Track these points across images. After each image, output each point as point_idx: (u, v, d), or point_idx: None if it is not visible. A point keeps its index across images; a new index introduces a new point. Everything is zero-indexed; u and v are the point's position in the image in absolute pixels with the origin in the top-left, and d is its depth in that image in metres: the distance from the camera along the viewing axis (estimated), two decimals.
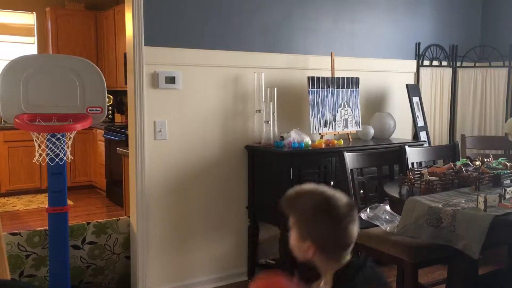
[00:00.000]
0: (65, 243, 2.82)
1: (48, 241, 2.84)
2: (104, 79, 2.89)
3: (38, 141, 2.70)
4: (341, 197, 1.46)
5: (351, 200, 1.51)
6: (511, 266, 3.05)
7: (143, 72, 3.02)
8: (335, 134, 3.61)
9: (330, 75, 3.57)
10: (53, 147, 2.68)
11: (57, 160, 2.69)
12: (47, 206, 2.80)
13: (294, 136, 3.21)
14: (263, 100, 3.33)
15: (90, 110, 2.82)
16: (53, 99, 2.74)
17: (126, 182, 3.63)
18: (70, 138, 2.76)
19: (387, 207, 2.68)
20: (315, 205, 1.43)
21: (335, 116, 3.57)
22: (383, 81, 4.08)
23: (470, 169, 2.67)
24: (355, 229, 1.46)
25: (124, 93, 3.77)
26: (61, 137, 2.70)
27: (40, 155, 2.70)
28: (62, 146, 2.70)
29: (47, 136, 2.70)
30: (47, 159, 2.70)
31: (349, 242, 1.45)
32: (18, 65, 2.72)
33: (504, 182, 2.54)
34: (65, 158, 2.72)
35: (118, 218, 3.27)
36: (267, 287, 1.49)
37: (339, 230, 1.42)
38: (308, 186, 1.50)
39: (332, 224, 1.41)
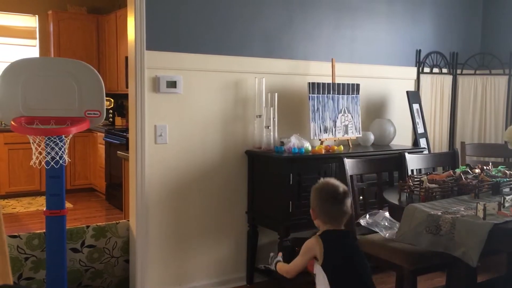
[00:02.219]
0: (62, 246, 2.81)
1: (46, 244, 2.83)
2: (102, 82, 2.87)
3: (35, 144, 2.68)
4: (334, 185, 2.12)
5: (343, 188, 2.12)
6: (509, 274, 3.05)
7: (144, 76, 3.03)
8: (335, 140, 3.62)
9: (330, 81, 3.58)
10: (50, 151, 2.67)
11: (52, 163, 2.68)
12: (44, 209, 2.80)
13: (294, 141, 3.22)
14: (264, 105, 3.33)
15: (88, 113, 2.80)
16: (51, 102, 2.73)
17: (126, 186, 3.63)
18: (66, 142, 2.75)
19: (387, 214, 2.68)
20: (315, 187, 2.15)
21: (335, 122, 3.58)
22: (383, 88, 4.09)
23: (469, 176, 2.67)
24: (337, 208, 2.09)
25: (125, 96, 3.78)
26: (58, 141, 2.70)
27: (37, 158, 2.68)
28: (59, 149, 2.69)
29: (45, 139, 2.69)
30: (43, 162, 2.69)
31: (333, 216, 2.09)
32: (16, 68, 2.72)
33: (504, 190, 2.54)
34: (61, 161, 2.71)
35: (117, 221, 3.27)
36: None
37: (324, 205, 2.09)
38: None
39: (319, 200, 2.11)
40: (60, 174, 2.75)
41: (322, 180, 2.17)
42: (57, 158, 2.68)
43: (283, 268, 2.22)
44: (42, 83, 2.73)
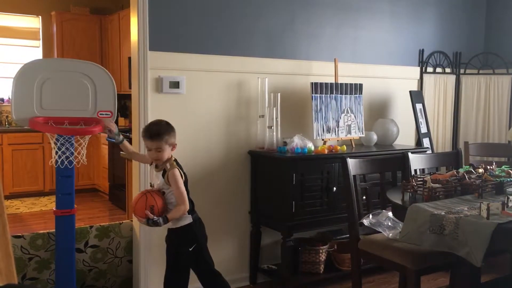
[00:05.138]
0: (71, 245, 2.84)
1: (55, 244, 2.84)
2: (114, 83, 2.91)
3: (58, 144, 2.70)
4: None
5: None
6: None
7: (147, 76, 3.03)
8: (338, 140, 3.61)
9: (333, 81, 3.58)
10: (65, 151, 2.70)
11: (66, 163, 2.72)
12: (54, 208, 2.81)
13: (297, 141, 3.22)
14: (267, 106, 3.34)
15: (100, 114, 2.85)
16: (65, 103, 2.76)
17: (129, 186, 3.64)
18: (85, 143, 2.81)
19: (390, 214, 2.68)
20: (168, 126, 2.60)
21: (338, 122, 3.57)
22: (386, 88, 4.09)
23: (473, 176, 2.66)
24: None
25: (128, 97, 3.79)
26: (81, 140, 2.77)
27: (60, 157, 2.70)
28: (74, 149, 2.74)
29: (60, 139, 2.71)
30: (58, 162, 2.72)
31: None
32: (31, 69, 2.73)
33: (507, 190, 2.54)
34: (74, 162, 2.75)
35: (120, 221, 3.28)
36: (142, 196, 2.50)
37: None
38: (155, 121, 2.69)
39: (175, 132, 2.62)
40: (71, 174, 2.79)
41: (161, 121, 2.64)
42: (71, 158, 2.72)
43: (176, 213, 2.53)
44: (56, 84, 2.75)
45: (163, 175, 2.56)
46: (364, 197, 2.98)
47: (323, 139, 3.49)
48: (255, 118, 3.39)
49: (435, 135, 4.36)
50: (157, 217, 2.47)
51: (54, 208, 2.82)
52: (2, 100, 6.62)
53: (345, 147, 3.42)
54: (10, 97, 2.76)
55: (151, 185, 2.68)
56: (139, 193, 2.58)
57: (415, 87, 4.26)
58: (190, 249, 2.61)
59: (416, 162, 3.11)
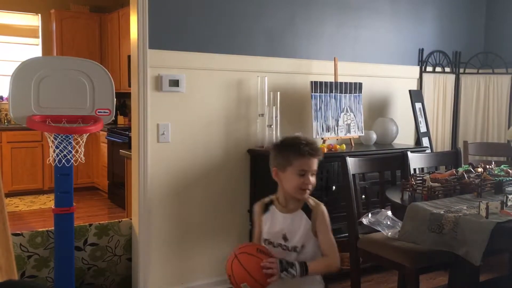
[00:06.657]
0: (71, 243, 2.85)
1: (54, 242, 2.85)
2: (113, 81, 2.92)
3: (56, 142, 2.70)
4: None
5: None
6: None
7: (147, 75, 3.03)
8: (337, 139, 3.61)
9: (333, 80, 3.58)
10: (63, 149, 2.70)
11: (63, 161, 2.72)
12: (53, 207, 2.82)
13: None
14: (266, 104, 3.34)
15: (98, 112, 2.85)
16: (63, 101, 2.77)
17: (129, 184, 3.63)
18: (83, 141, 2.81)
19: (389, 213, 2.68)
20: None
21: (338, 121, 3.57)
22: (386, 87, 4.09)
23: (472, 175, 2.67)
24: None
25: (128, 95, 3.78)
26: (79, 139, 2.76)
27: (58, 155, 2.71)
28: (72, 148, 2.74)
29: (58, 138, 2.71)
30: (56, 160, 2.72)
31: None
32: (29, 66, 2.73)
33: (506, 189, 2.54)
34: (79, 159, 2.76)
35: (120, 220, 3.28)
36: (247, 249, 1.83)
37: None
38: (296, 135, 2.02)
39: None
40: (70, 172, 2.79)
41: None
42: (69, 156, 2.72)
43: (321, 265, 1.81)
44: (54, 82, 2.75)
45: (309, 217, 1.81)
46: (364, 196, 2.98)
47: (322, 138, 3.49)
48: (255, 116, 3.39)
49: (435, 135, 4.36)
50: (289, 264, 1.76)
51: (53, 206, 2.82)
52: (1, 98, 6.62)
53: (344, 146, 3.42)
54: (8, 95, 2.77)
55: (284, 237, 1.88)
56: (230, 260, 1.85)
57: (414, 86, 4.26)
58: None
59: (416, 161, 3.11)
